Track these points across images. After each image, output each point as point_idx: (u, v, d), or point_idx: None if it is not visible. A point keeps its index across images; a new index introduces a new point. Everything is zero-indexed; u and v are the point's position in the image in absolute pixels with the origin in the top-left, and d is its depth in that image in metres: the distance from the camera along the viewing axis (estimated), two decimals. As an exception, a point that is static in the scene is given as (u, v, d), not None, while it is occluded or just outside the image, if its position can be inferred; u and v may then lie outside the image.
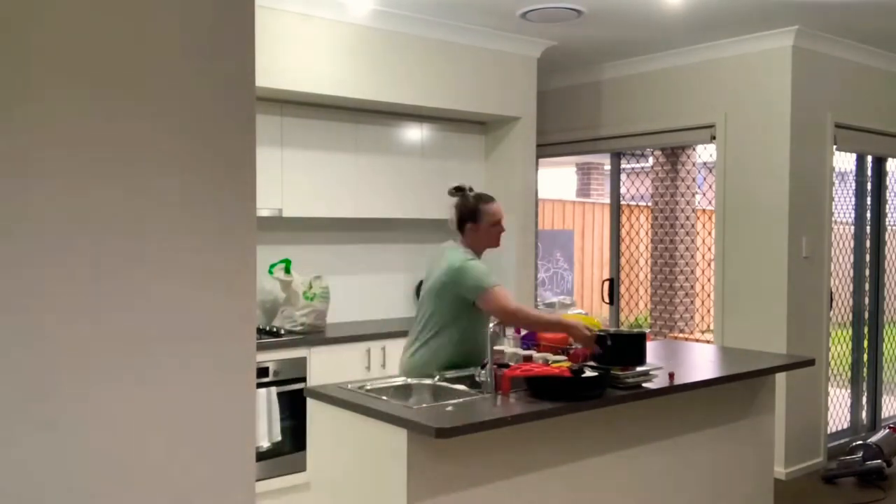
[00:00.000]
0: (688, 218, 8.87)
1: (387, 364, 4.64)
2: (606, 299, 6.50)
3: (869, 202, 6.17)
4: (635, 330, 4.05)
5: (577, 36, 5.25)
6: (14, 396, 1.55)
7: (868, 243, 6.17)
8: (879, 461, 5.13)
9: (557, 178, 13.67)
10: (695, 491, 3.70)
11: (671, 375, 3.43)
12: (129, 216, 1.66)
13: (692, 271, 8.84)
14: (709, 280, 6.45)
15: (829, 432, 5.62)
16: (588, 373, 3.10)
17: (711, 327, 5.71)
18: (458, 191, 3.67)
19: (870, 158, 6.13)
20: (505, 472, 2.99)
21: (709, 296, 6.36)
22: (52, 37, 1.57)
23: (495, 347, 3.37)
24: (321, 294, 4.76)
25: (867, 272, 6.18)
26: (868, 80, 5.70)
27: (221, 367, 1.79)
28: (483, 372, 3.20)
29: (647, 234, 8.60)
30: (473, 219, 3.58)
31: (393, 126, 5.24)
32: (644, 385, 3.29)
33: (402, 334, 4.02)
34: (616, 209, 6.54)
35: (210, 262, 1.76)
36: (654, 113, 5.84)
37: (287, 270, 4.78)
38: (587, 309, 10.27)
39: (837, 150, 5.53)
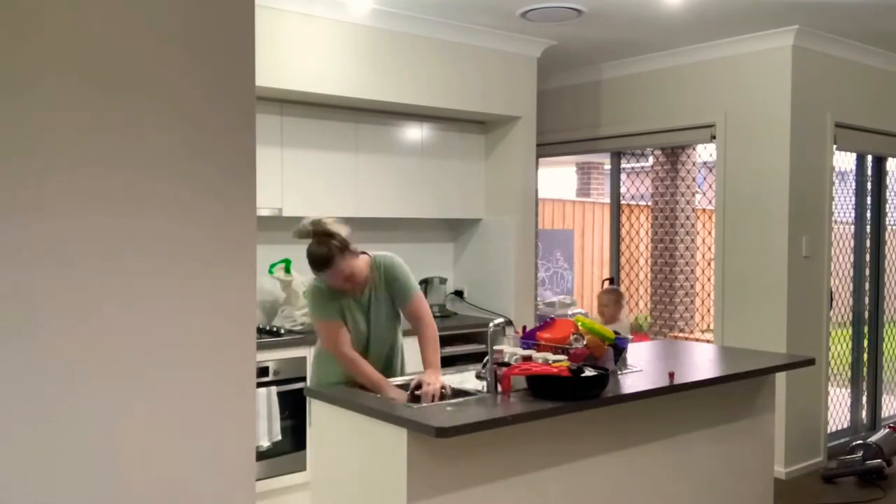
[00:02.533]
0: (688, 218, 8.87)
1: (387, 364, 4.64)
2: (606, 299, 6.49)
3: (869, 202, 6.17)
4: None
5: (577, 36, 5.25)
6: (18, 399, 1.55)
7: (868, 243, 6.17)
8: (879, 461, 5.13)
9: (557, 178, 13.66)
10: (695, 491, 3.70)
11: (671, 375, 3.43)
12: (129, 215, 1.66)
13: (692, 271, 8.83)
14: (709, 280, 6.45)
15: (829, 432, 5.62)
16: (588, 372, 3.10)
17: (711, 327, 5.71)
18: (303, 235, 3.26)
19: (870, 158, 6.13)
20: (505, 472, 2.99)
21: (709, 296, 6.36)
22: (53, 36, 1.57)
23: (495, 347, 3.37)
24: (321, 294, 4.76)
25: (867, 272, 6.17)
26: (868, 80, 5.70)
27: (221, 367, 1.79)
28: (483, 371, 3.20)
29: (647, 233, 8.59)
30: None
31: (393, 126, 5.24)
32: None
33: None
34: (616, 209, 6.55)
35: (210, 262, 1.76)
36: (654, 112, 5.84)
37: (287, 270, 4.78)
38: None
39: (837, 149, 5.53)
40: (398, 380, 3.38)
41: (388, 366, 3.48)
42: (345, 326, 3.32)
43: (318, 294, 3.34)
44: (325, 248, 3.21)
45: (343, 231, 3.27)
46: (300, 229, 3.27)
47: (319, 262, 3.22)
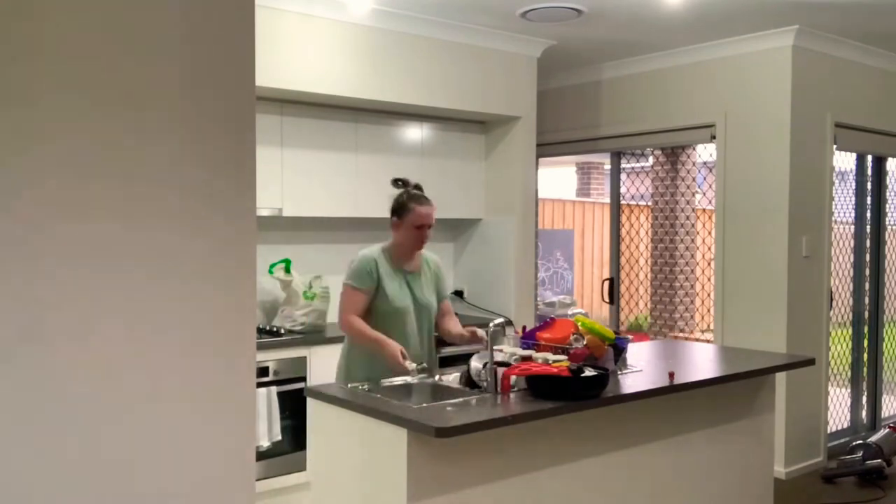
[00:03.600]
0: (688, 218, 8.87)
1: (387, 364, 4.63)
2: (606, 299, 6.50)
3: (869, 202, 6.17)
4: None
5: (577, 36, 5.25)
6: (20, 401, 1.55)
7: (868, 243, 6.17)
8: (879, 461, 5.13)
9: (557, 178, 13.66)
10: (695, 491, 3.70)
11: (671, 375, 3.43)
12: (129, 216, 1.66)
13: (692, 271, 8.83)
14: (709, 280, 6.45)
15: (829, 432, 5.62)
16: (588, 372, 3.10)
17: (711, 327, 5.71)
18: (398, 183, 3.63)
19: (870, 158, 6.13)
20: (505, 472, 2.99)
21: (709, 296, 6.36)
22: (51, 35, 1.57)
23: (495, 347, 3.37)
24: (321, 294, 4.76)
25: (867, 272, 6.18)
26: (868, 80, 5.70)
27: (221, 367, 1.79)
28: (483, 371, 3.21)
29: (647, 233, 8.59)
30: (398, 215, 3.58)
31: (393, 126, 5.24)
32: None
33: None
34: (616, 209, 6.55)
35: (210, 262, 1.76)
36: (654, 113, 5.84)
37: (287, 270, 4.78)
38: (587, 308, 10.27)
39: (837, 149, 5.53)
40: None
41: (428, 334, 3.70)
42: (365, 303, 3.49)
43: (369, 263, 3.52)
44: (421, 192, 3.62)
45: None
46: (400, 179, 3.66)
47: (419, 197, 3.57)
